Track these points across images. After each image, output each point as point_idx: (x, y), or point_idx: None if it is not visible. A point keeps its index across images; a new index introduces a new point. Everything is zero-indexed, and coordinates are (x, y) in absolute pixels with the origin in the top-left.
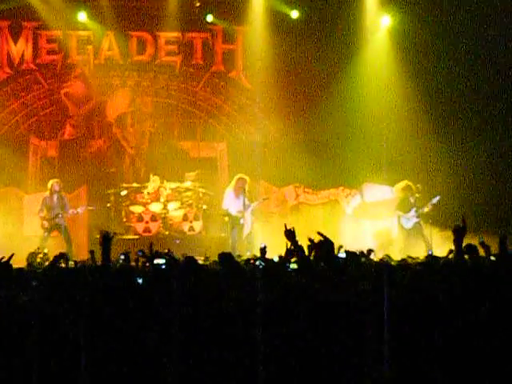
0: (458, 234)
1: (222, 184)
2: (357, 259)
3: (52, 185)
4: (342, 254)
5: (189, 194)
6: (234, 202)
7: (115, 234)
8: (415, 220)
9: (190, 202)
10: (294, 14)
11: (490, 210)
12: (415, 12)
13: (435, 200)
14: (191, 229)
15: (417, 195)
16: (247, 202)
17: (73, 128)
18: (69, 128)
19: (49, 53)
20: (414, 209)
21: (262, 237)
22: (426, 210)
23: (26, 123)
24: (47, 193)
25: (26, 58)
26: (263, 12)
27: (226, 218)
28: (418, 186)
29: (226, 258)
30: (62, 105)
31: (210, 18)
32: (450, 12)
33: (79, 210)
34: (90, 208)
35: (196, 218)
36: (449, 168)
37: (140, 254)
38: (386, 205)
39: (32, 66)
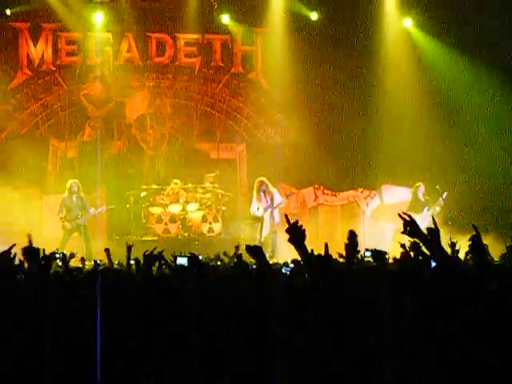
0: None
1: (241, 185)
2: (383, 258)
3: (71, 185)
4: (368, 253)
5: (208, 195)
6: (256, 206)
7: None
8: (428, 220)
9: (209, 203)
10: (314, 16)
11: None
12: (435, 14)
13: (444, 196)
14: (210, 230)
15: (427, 197)
16: (270, 203)
17: (92, 129)
18: (88, 129)
19: (68, 54)
20: (427, 208)
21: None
22: (438, 208)
23: (45, 124)
24: (66, 193)
25: (46, 60)
26: (282, 14)
27: (250, 221)
28: (437, 187)
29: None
30: (82, 106)
31: (226, 18)
32: (468, 15)
33: (99, 209)
34: (111, 207)
35: (215, 220)
36: (467, 169)
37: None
38: (405, 206)
39: (52, 67)
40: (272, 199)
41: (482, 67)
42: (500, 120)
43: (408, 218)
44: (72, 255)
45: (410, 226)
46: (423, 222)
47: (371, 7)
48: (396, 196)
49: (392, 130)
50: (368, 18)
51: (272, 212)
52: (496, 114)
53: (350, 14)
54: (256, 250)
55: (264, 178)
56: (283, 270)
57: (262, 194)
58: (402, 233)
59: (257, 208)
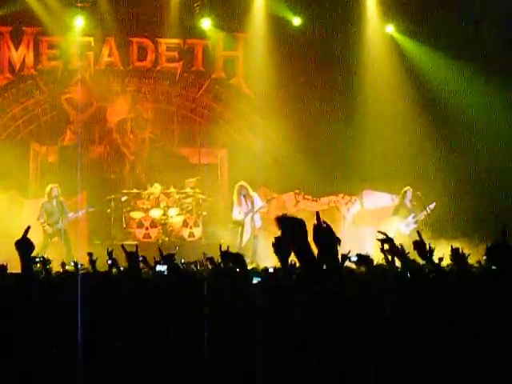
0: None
1: (222, 190)
2: (369, 262)
3: (50, 190)
4: (354, 258)
5: (189, 200)
6: (237, 210)
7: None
8: (413, 226)
9: (190, 208)
10: (296, 21)
11: (487, 219)
12: (416, 20)
13: (432, 206)
14: (191, 235)
15: (414, 203)
16: (250, 207)
17: (73, 134)
18: (69, 134)
19: (49, 58)
20: (413, 215)
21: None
22: (423, 216)
23: (26, 129)
24: (46, 198)
25: (27, 64)
26: (264, 19)
27: (232, 226)
28: (418, 193)
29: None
30: (63, 110)
31: (207, 23)
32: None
33: (79, 213)
34: (91, 209)
35: (196, 225)
36: (448, 176)
37: (141, 259)
38: (385, 212)
39: (33, 71)
40: (252, 203)
41: (468, 71)
42: (487, 124)
43: (384, 236)
44: (49, 261)
45: (387, 243)
46: (407, 227)
47: (353, 13)
48: (377, 201)
49: (373, 136)
50: (350, 23)
51: (253, 216)
52: (483, 118)
53: (332, 19)
54: (237, 258)
55: (244, 183)
56: (254, 281)
57: (242, 198)
58: (381, 249)
59: (238, 212)
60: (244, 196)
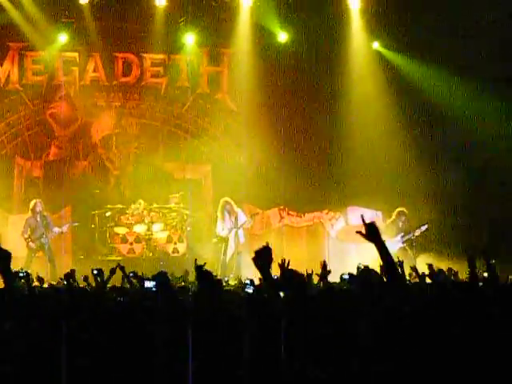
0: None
1: (207, 206)
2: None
3: (34, 205)
4: (346, 276)
5: (173, 215)
6: (221, 226)
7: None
8: (400, 245)
9: (175, 223)
10: (282, 37)
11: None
12: (399, 37)
13: (423, 228)
14: (175, 250)
15: (406, 223)
16: (234, 223)
17: (58, 149)
18: (54, 149)
19: (34, 74)
20: (401, 234)
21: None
22: (412, 236)
23: (11, 143)
24: (30, 213)
25: (12, 79)
26: (249, 34)
27: (215, 241)
28: (403, 210)
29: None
30: (48, 126)
31: (192, 39)
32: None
33: (64, 228)
34: (75, 224)
35: (180, 240)
36: (434, 193)
37: (132, 274)
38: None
39: (17, 86)
40: (236, 219)
41: (457, 84)
42: (479, 135)
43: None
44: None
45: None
46: (392, 246)
47: (339, 29)
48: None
49: (358, 152)
50: (336, 39)
51: (237, 232)
52: (473, 128)
53: (317, 35)
54: (206, 275)
55: (228, 198)
56: (247, 289)
57: (226, 214)
58: (359, 233)
59: (221, 228)
60: (228, 212)
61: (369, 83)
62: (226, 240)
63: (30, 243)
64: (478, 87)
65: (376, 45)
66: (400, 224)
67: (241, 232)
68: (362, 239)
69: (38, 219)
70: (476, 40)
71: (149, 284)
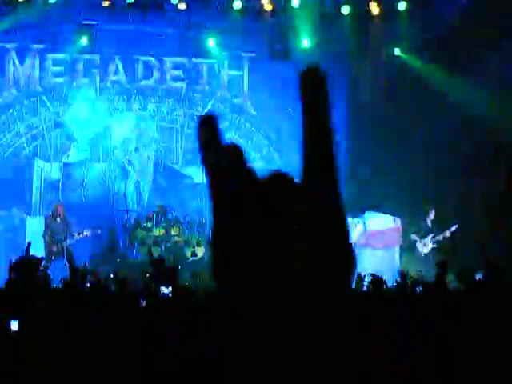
0: None
1: None
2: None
3: (56, 208)
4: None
5: (192, 218)
6: None
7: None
8: (431, 246)
9: (193, 227)
10: (305, 44)
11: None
12: (422, 40)
13: (453, 228)
14: (193, 254)
15: (435, 223)
16: None
17: (77, 151)
18: (73, 151)
19: (55, 75)
20: (432, 234)
21: None
22: (443, 237)
23: (30, 145)
24: (51, 216)
25: (32, 80)
26: (272, 39)
27: None
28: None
29: None
30: (67, 128)
31: (213, 42)
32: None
33: (86, 233)
34: (97, 231)
35: (198, 244)
36: (456, 200)
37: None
38: (389, 234)
39: (38, 88)
40: None
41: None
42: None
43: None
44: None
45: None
46: (424, 247)
47: (362, 35)
48: (380, 223)
49: (377, 156)
50: (359, 45)
51: None
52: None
53: (339, 42)
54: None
55: None
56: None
57: None
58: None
59: None
60: None
61: (395, 87)
62: None
63: (51, 246)
64: None
65: (396, 51)
66: (430, 224)
67: None
68: (379, 245)
69: (59, 222)
70: None
71: (165, 290)
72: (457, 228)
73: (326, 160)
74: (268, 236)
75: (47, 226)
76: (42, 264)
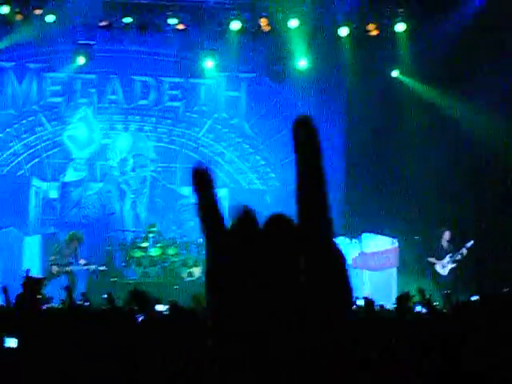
0: None
1: None
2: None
3: (77, 238)
4: (361, 302)
5: (188, 239)
6: None
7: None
8: (451, 266)
9: (190, 247)
10: (301, 65)
11: None
12: (420, 62)
13: (469, 244)
14: (190, 274)
15: (451, 243)
16: None
17: (74, 170)
18: (70, 170)
19: (53, 95)
20: (450, 254)
21: None
22: (461, 256)
23: (28, 164)
24: (65, 241)
25: (30, 100)
26: (269, 60)
27: None
28: (416, 237)
29: None
30: (65, 147)
31: (209, 63)
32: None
33: (91, 267)
34: (102, 269)
35: (195, 264)
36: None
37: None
38: (385, 255)
39: (36, 107)
40: None
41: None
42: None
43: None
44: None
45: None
46: (444, 268)
47: (359, 57)
48: (377, 244)
49: (373, 177)
50: (356, 67)
51: None
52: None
53: (338, 63)
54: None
55: None
56: None
57: None
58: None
59: None
60: None
61: (388, 109)
62: None
63: (54, 267)
64: None
65: (395, 74)
66: (445, 244)
67: None
68: (376, 267)
69: (71, 249)
70: None
71: (161, 308)
72: (472, 244)
73: (319, 204)
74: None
75: (58, 248)
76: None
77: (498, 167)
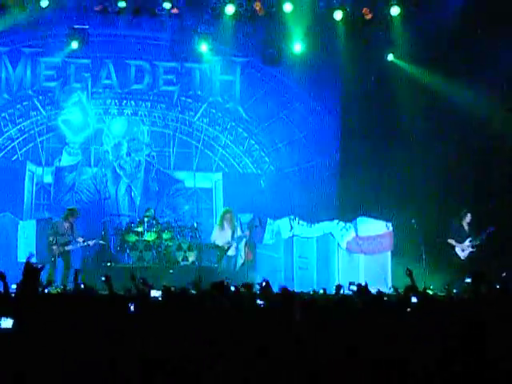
0: None
1: (217, 214)
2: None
3: (69, 213)
4: (354, 288)
5: (183, 223)
6: (219, 234)
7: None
8: (470, 250)
9: (185, 231)
10: (297, 48)
11: None
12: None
13: (490, 230)
14: (185, 259)
15: (472, 226)
16: (239, 234)
17: (69, 155)
18: (65, 155)
19: (47, 79)
20: (469, 238)
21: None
22: (482, 240)
23: (22, 149)
24: (61, 219)
25: (25, 85)
26: (264, 44)
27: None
28: (413, 221)
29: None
30: (60, 132)
31: (204, 47)
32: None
33: (90, 242)
34: (102, 243)
35: (190, 249)
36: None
37: (141, 281)
38: (380, 239)
39: (30, 92)
40: (233, 232)
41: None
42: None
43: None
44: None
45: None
46: (463, 251)
47: (355, 41)
48: (371, 229)
49: (368, 160)
50: (350, 52)
51: (237, 246)
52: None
53: (334, 47)
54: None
55: (229, 209)
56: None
57: (225, 223)
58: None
59: (216, 236)
60: (227, 222)
61: (383, 93)
62: (221, 249)
63: (53, 247)
64: None
65: (390, 57)
66: (466, 227)
67: (241, 244)
68: (370, 250)
69: (66, 226)
70: None
71: (156, 293)
72: (493, 229)
73: None
74: None
75: (54, 227)
76: (39, 266)
77: (497, 148)
